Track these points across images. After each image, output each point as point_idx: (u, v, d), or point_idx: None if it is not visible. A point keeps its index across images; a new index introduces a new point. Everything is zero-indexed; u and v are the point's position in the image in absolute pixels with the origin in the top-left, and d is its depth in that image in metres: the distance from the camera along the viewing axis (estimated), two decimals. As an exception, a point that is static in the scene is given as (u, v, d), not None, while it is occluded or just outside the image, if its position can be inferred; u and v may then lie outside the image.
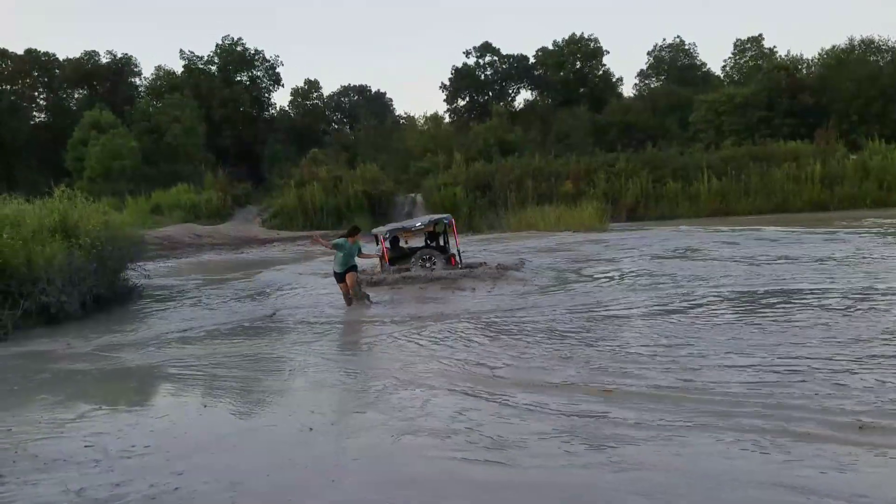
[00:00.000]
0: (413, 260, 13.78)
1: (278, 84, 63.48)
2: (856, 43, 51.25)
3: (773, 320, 8.06)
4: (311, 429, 5.37)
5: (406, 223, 14.26)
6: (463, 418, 5.38)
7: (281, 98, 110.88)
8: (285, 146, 55.82)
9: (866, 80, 45.09)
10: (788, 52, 61.80)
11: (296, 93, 67.99)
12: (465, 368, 6.86)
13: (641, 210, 31.62)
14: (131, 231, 14.54)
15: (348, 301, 11.59)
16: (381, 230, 13.94)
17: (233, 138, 57.48)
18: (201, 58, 60.57)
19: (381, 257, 14.18)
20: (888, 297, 8.97)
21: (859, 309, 8.36)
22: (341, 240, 11.59)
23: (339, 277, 11.58)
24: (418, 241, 15.99)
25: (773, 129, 44.29)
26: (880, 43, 51.06)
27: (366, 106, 67.02)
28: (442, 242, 15.33)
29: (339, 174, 37.99)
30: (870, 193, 29.12)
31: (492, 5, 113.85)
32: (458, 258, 14.15)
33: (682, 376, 5.99)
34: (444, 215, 14.88)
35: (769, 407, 5.07)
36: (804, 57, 53.33)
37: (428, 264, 13.59)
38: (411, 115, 64.56)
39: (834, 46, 52.05)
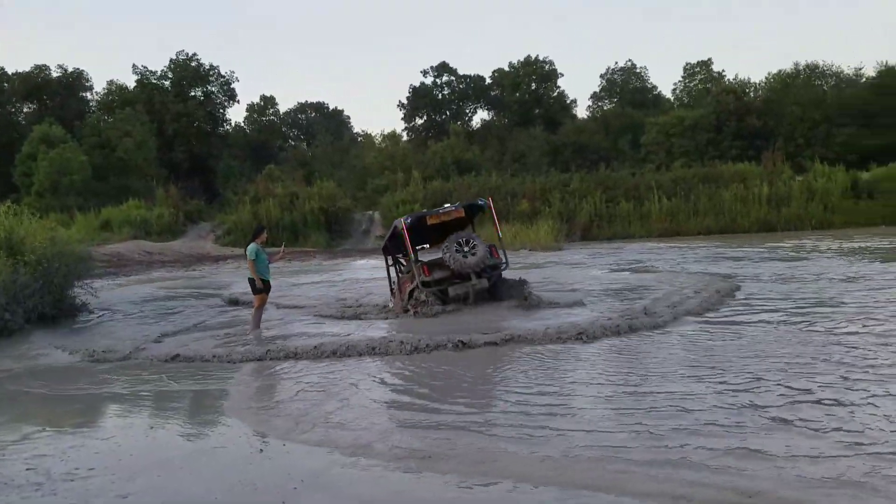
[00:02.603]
0: (445, 245, 10.87)
1: (233, 100, 63.12)
2: (801, 68, 53.17)
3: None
4: (261, 450, 5.30)
5: (432, 210, 11.34)
6: (410, 439, 5.37)
7: (236, 114, 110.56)
8: (240, 162, 55.37)
9: (811, 103, 46.68)
10: (736, 75, 63.77)
11: (251, 108, 67.62)
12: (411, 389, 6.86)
13: (595, 230, 32.10)
14: (79, 247, 14.17)
15: (258, 320, 10.77)
16: (402, 218, 11.04)
17: (186, 153, 56.79)
18: (154, 73, 59.89)
19: (396, 266, 13.06)
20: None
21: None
22: (252, 245, 10.65)
23: (266, 286, 10.72)
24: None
25: (721, 150, 45.50)
26: (824, 68, 53.07)
27: (323, 123, 66.97)
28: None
29: (295, 191, 37.84)
30: (814, 214, 30.03)
31: (449, 26, 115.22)
32: (501, 252, 11.48)
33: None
34: (478, 199, 11.87)
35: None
36: (751, 81, 55.10)
37: (466, 248, 10.71)
38: (369, 132, 64.73)
39: (780, 71, 53.96)
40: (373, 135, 63.39)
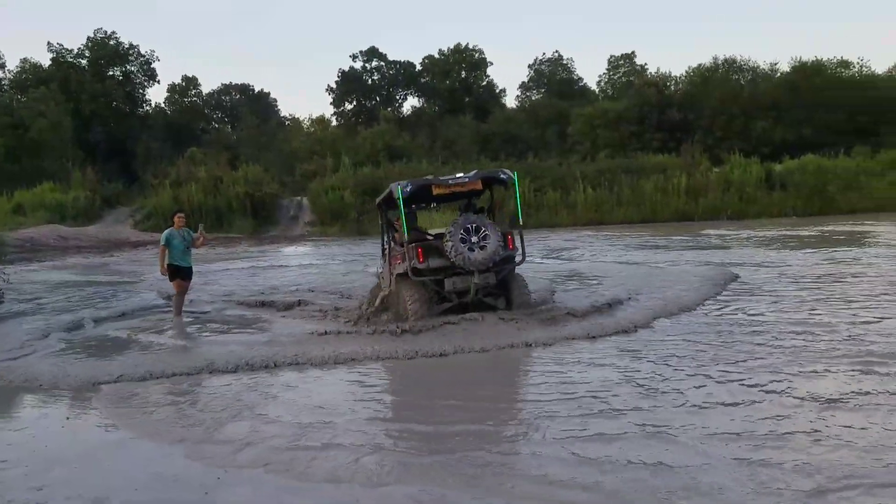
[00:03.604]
0: (449, 230, 8.60)
1: (154, 80, 61.13)
2: (720, 62, 54.83)
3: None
4: (181, 441, 5.24)
5: (441, 178, 9.13)
6: (337, 432, 5.40)
7: (157, 94, 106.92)
8: (161, 144, 53.60)
9: (729, 97, 48.38)
10: (658, 69, 65.34)
11: (173, 89, 65.56)
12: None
13: (523, 218, 32.51)
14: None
15: (180, 307, 10.50)
16: (399, 183, 8.79)
17: (104, 135, 54.68)
18: (71, 51, 57.43)
19: (390, 232, 10.00)
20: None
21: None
22: (167, 231, 10.32)
23: (179, 272, 10.33)
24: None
25: (643, 142, 46.75)
26: (742, 62, 54.88)
27: (248, 105, 65.45)
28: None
29: (219, 174, 36.91)
30: (730, 205, 31.29)
31: (378, 10, 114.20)
32: (517, 243, 9.04)
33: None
34: (500, 170, 9.25)
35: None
36: (672, 74, 56.56)
37: (474, 238, 8.50)
38: (296, 116, 63.66)
39: (700, 65, 55.51)
40: (301, 119, 62.41)
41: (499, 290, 9.17)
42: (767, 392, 5.68)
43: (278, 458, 4.72)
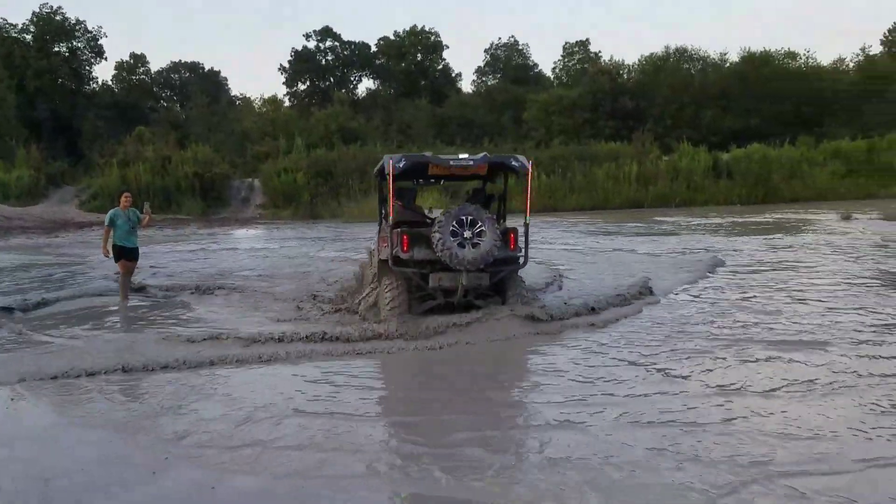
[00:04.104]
0: (439, 221, 7.55)
1: (101, 57, 59.34)
2: (671, 51, 55.78)
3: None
4: (128, 421, 5.20)
5: (442, 156, 8.01)
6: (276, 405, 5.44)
7: (104, 72, 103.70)
8: (108, 122, 52.15)
9: (680, 86, 49.27)
10: (612, 57, 66.16)
11: (120, 67, 63.82)
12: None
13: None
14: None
15: (126, 288, 10.26)
16: (391, 157, 7.72)
17: (49, 112, 52.94)
18: (15, 26, 55.53)
19: (384, 207, 8.88)
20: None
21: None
22: (111, 211, 10.21)
23: (124, 253, 10.12)
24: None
25: (596, 129, 47.35)
26: (693, 52, 55.93)
27: (198, 84, 64.04)
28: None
29: (167, 154, 36.08)
30: (679, 193, 31.94)
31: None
32: (521, 242, 8.05)
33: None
34: (513, 156, 7.96)
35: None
36: (625, 63, 57.32)
37: (467, 233, 7.45)
38: (248, 96, 62.64)
39: (652, 54, 56.39)
40: (252, 99, 61.35)
41: (492, 292, 8.11)
42: (686, 379, 5.93)
43: (224, 444, 4.73)
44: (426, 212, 9.67)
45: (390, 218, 7.97)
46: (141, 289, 10.90)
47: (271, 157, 37.48)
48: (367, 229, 24.00)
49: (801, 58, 53.94)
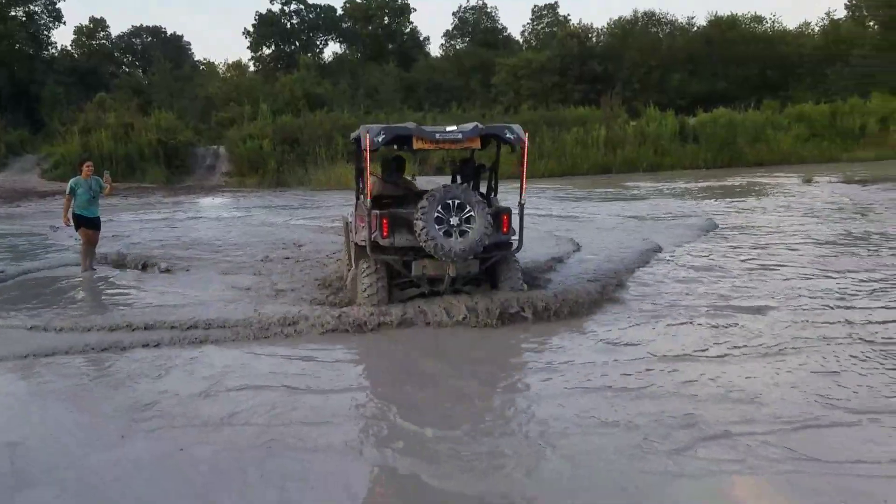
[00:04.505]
0: (423, 207, 6.68)
1: (59, 21, 57.58)
2: (639, 15, 55.79)
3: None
4: (92, 385, 5.25)
5: (427, 128, 7.01)
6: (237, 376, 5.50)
7: (63, 37, 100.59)
8: (68, 89, 50.77)
9: (648, 50, 49.38)
10: (580, 20, 65.92)
11: (80, 31, 62.07)
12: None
13: (447, 168, 32.53)
14: None
15: (86, 258, 10.11)
16: (369, 128, 6.80)
17: (6, 79, 51.33)
18: (-33, -11, 53.37)
19: (360, 182, 8.11)
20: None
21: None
22: (73, 179, 9.95)
23: (86, 222, 9.95)
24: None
25: (565, 94, 47.34)
26: (661, 16, 56.05)
27: (160, 49, 62.55)
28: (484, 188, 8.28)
29: (130, 121, 35.26)
30: (646, 158, 32.14)
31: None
32: (514, 227, 7.22)
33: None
34: (506, 126, 7.11)
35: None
36: (594, 26, 57.22)
37: (454, 219, 6.69)
38: (212, 61, 61.42)
39: (620, 17, 56.42)
40: (216, 64, 60.16)
41: (483, 278, 7.42)
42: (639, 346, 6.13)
43: (192, 413, 4.80)
44: (412, 179, 8.60)
45: (368, 196, 7.02)
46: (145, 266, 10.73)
47: (236, 124, 36.79)
48: (335, 197, 23.92)
49: (767, 22, 54.44)
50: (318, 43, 64.40)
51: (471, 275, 7.11)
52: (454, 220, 6.68)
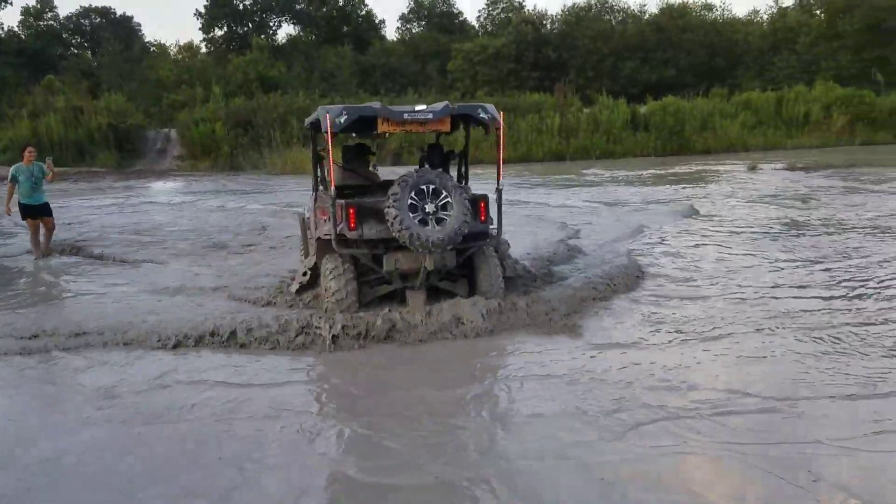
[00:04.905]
0: (394, 193, 6.11)
1: (5, 2, 55.60)
2: (593, 2, 56.24)
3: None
4: (52, 365, 5.40)
5: (394, 109, 6.41)
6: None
7: (9, 18, 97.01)
8: (15, 71, 49.20)
9: (600, 38, 49.92)
10: (535, 6, 66.12)
11: (26, 12, 60.06)
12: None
13: (405, 155, 32.64)
14: None
15: (37, 247, 10.02)
16: (328, 109, 6.22)
17: (-51, 61, 49.55)
18: None
19: (319, 171, 7.66)
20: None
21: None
22: (14, 166, 9.83)
23: (30, 211, 9.90)
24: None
25: (521, 80, 47.64)
26: (613, 3, 56.59)
27: (109, 30, 60.90)
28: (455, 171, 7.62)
29: (79, 104, 34.51)
30: (599, 145, 32.63)
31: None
32: (491, 216, 6.77)
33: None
34: (480, 105, 6.59)
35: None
36: (549, 13, 57.55)
37: (430, 207, 6.18)
38: (162, 42, 60.10)
39: (574, 4, 56.70)
40: (167, 45, 58.89)
41: (459, 272, 6.83)
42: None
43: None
44: (372, 168, 8.00)
45: (330, 185, 6.40)
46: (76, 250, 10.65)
47: (188, 107, 36.29)
48: (291, 181, 23.84)
49: (717, 10, 55.44)
50: (271, 24, 63.34)
51: (447, 268, 6.50)
52: (430, 208, 6.15)
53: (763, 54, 48.49)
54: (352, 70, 51.36)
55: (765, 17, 57.36)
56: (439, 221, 6.15)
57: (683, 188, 18.30)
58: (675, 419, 4.35)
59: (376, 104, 6.25)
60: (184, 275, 8.80)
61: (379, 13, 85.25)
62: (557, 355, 5.63)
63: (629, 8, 56.76)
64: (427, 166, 7.14)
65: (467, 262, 6.74)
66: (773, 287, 7.57)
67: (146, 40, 63.58)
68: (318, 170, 7.66)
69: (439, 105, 6.32)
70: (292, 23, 63.94)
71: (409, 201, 6.12)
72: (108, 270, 9.42)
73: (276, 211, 15.43)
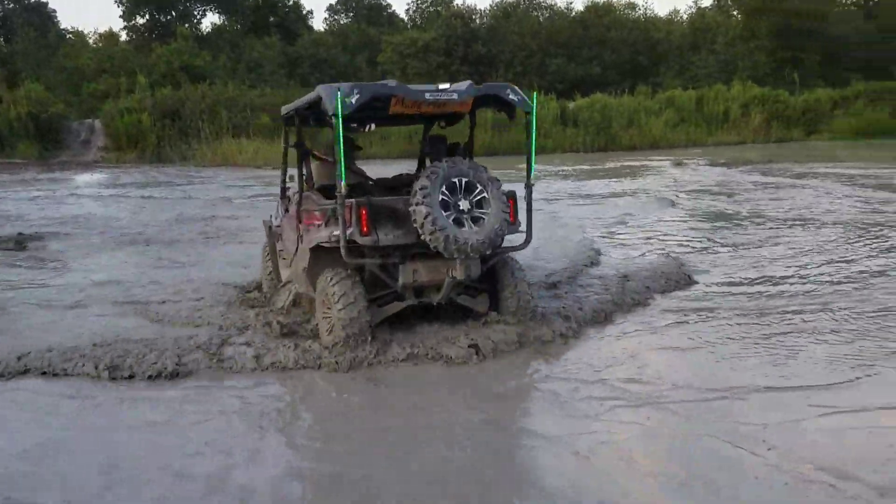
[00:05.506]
0: (423, 187, 5.14)
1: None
2: (521, -2, 57.07)
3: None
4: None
5: (414, 88, 5.30)
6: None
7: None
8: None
9: (529, 34, 50.71)
10: (464, 1, 66.55)
11: (-67, -3, 56.66)
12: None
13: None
14: None
15: None
16: (333, 87, 5.06)
17: None
18: None
19: (304, 166, 6.46)
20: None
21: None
22: None
23: None
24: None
25: (451, 74, 47.89)
26: (541, 0, 57.54)
27: (23, 16, 58.07)
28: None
29: (-3, 93, 32.97)
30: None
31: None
32: (523, 210, 5.82)
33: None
34: (507, 86, 5.67)
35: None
36: (478, 7, 58.04)
37: (463, 203, 5.29)
38: (80, 29, 57.76)
39: (502, 0, 57.35)
40: (86, 33, 56.59)
41: (481, 285, 5.87)
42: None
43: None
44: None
45: (342, 183, 5.13)
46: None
47: (112, 97, 35.14)
48: (222, 173, 23.52)
49: (640, 9, 57.12)
50: (195, 13, 61.72)
51: (471, 279, 5.44)
52: (464, 205, 5.24)
53: (683, 53, 50.28)
54: (279, 61, 50.61)
55: (685, 16, 59.53)
56: (475, 221, 5.24)
57: (617, 181, 19.03)
58: (636, 407, 4.67)
59: (392, 82, 5.26)
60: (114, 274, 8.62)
61: (306, 4, 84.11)
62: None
63: (556, 5, 57.77)
64: (427, 162, 6.32)
65: (488, 273, 5.76)
66: (702, 276, 8.07)
67: (62, 27, 60.96)
68: (305, 166, 6.48)
69: (463, 84, 5.41)
70: (217, 12, 62.48)
71: (441, 197, 5.16)
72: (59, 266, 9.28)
73: (213, 203, 15.30)
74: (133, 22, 59.05)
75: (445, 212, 5.13)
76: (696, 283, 7.83)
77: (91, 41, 51.49)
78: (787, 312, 6.59)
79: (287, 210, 6.84)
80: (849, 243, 9.72)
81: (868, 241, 9.80)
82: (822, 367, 5.25)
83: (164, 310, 6.78)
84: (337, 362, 5.15)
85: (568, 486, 3.67)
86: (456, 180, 5.26)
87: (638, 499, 3.54)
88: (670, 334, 6.13)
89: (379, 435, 4.32)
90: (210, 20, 62.35)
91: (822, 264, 8.51)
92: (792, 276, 7.98)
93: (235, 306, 6.85)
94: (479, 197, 5.32)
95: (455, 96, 5.23)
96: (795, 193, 15.42)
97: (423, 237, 5.09)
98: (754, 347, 5.72)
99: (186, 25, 55.72)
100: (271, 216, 7.49)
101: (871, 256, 8.89)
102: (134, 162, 30.16)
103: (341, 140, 5.04)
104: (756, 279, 7.97)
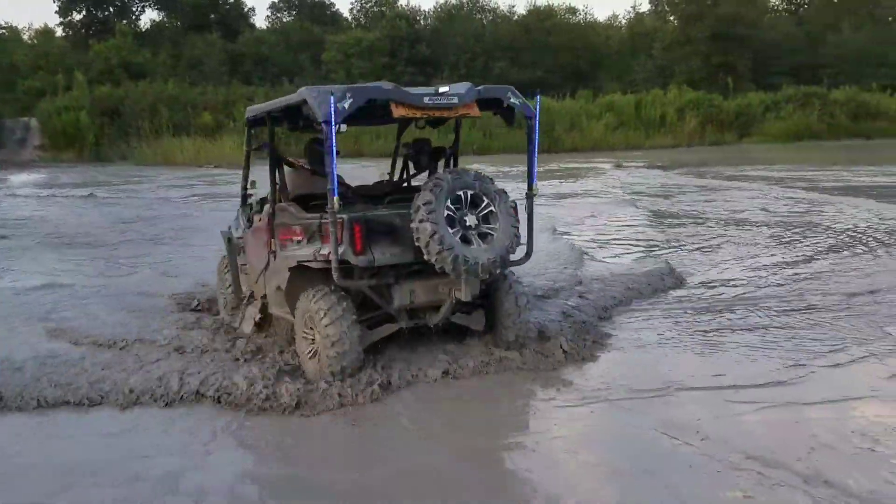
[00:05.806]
0: (426, 202, 4.58)
1: None
2: (465, 1, 57.42)
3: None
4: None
5: (413, 91, 4.76)
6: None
7: None
8: None
9: (472, 36, 51.12)
10: (409, 2, 66.62)
11: None
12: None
13: (283, 146, 32.11)
14: None
15: None
16: (322, 90, 4.53)
17: None
18: None
19: (279, 172, 5.74)
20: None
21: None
22: None
23: None
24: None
25: (396, 75, 47.92)
26: (484, 3, 58.05)
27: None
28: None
29: (-76, 91, 31.72)
30: (476, 140, 33.64)
31: None
32: (520, 224, 5.10)
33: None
34: (508, 87, 5.29)
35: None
36: (422, 9, 58.19)
37: (470, 218, 4.81)
38: (14, 25, 55.75)
39: (447, 1, 57.69)
40: (20, 28, 54.65)
41: (477, 303, 5.33)
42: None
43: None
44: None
45: (336, 199, 4.58)
46: None
47: (48, 94, 34.17)
48: (163, 173, 23.19)
49: (580, 13, 58.16)
50: (134, 9, 60.29)
51: (470, 301, 4.98)
52: (470, 220, 4.77)
53: (622, 58, 51.43)
54: (221, 58, 49.85)
55: (623, 21, 60.86)
56: (483, 237, 4.78)
57: (558, 182, 19.50)
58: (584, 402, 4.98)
59: (388, 84, 4.84)
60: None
61: (248, 1, 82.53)
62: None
63: (499, 8, 58.38)
64: (411, 168, 6.21)
65: (487, 291, 5.31)
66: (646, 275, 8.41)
67: (-8, 21, 58.78)
68: (277, 175, 5.73)
69: (462, 86, 4.92)
70: (156, 8, 61.17)
71: (446, 212, 4.65)
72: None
73: (153, 204, 15.13)
74: (69, 18, 57.38)
75: (451, 228, 4.63)
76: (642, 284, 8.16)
77: (26, 37, 49.81)
78: (723, 312, 6.99)
79: (251, 221, 6.13)
80: (782, 244, 10.27)
81: (800, 242, 10.35)
82: (754, 364, 5.62)
83: (101, 326, 6.32)
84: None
85: (516, 480, 3.96)
86: (461, 193, 4.77)
87: (582, 489, 3.83)
88: (615, 335, 6.45)
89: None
90: (149, 17, 60.99)
91: (758, 267, 8.92)
92: (732, 279, 8.35)
93: (182, 324, 6.37)
94: (485, 211, 4.86)
95: (455, 100, 4.80)
96: (730, 195, 16.12)
97: (427, 257, 4.61)
98: (691, 346, 6.07)
99: (125, 22, 54.43)
100: (230, 227, 6.77)
101: (806, 257, 9.40)
102: (72, 161, 29.47)
103: (334, 150, 4.56)
104: (703, 282, 8.27)
